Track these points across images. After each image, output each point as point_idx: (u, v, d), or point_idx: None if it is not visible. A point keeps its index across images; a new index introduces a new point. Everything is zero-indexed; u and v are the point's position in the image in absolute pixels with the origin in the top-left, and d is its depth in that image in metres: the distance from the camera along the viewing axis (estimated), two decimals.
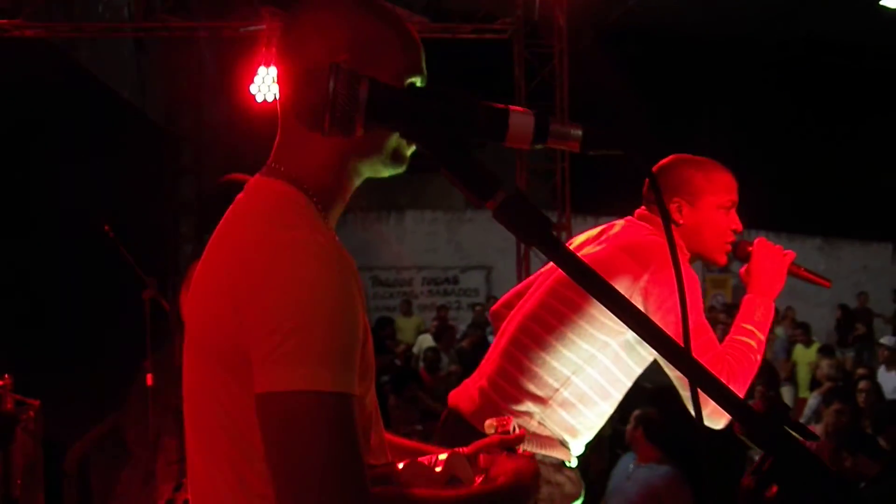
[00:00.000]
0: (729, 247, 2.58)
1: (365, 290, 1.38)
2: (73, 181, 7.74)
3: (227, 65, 8.12)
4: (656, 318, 2.35)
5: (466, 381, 2.71)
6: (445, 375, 9.83)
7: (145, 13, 7.44)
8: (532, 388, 2.48)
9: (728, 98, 15.38)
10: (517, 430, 1.66)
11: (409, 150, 1.41)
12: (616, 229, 2.64)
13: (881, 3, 11.75)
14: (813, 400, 8.30)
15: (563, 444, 2.52)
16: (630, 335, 2.40)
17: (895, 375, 8.43)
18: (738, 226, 2.58)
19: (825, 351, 9.83)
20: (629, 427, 5.23)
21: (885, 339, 9.15)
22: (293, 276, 1.23)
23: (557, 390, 2.48)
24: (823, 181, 14.68)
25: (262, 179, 1.40)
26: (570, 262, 1.14)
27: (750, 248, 2.54)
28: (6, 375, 5.07)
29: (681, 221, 2.55)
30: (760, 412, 1.20)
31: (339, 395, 1.22)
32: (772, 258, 2.51)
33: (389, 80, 1.31)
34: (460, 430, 2.49)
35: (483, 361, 2.70)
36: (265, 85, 7.09)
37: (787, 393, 9.98)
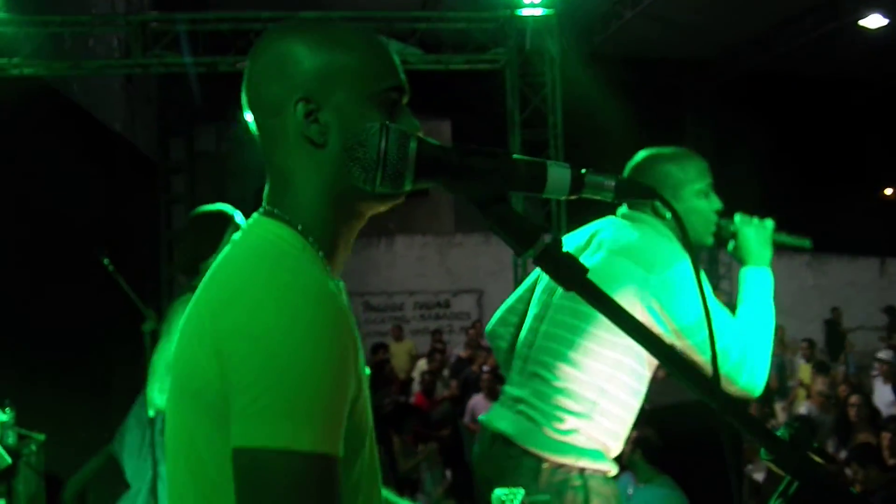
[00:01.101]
0: (714, 227, 2.69)
1: (357, 317, 1.31)
2: (68, 214, 7.80)
3: (217, 94, 8.20)
4: (670, 318, 2.47)
5: (496, 403, 2.78)
6: (441, 400, 9.89)
7: (143, 49, 7.50)
8: (572, 405, 2.55)
9: (712, 118, 15.54)
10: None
11: None
12: (607, 233, 2.70)
13: (859, 23, 11.96)
14: (804, 411, 8.42)
15: (607, 456, 2.60)
16: None
17: (890, 389, 8.56)
18: (719, 204, 2.70)
19: (819, 368, 9.92)
20: (626, 449, 5.27)
21: (883, 354, 9.31)
22: (275, 323, 1.14)
23: (596, 402, 2.54)
24: (809, 197, 14.86)
25: (259, 219, 1.33)
26: (607, 305, 1.22)
27: (732, 228, 2.66)
28: (7, 409, 5.11)
29: (666, 217, 2.64)
30: (785, 438, 1.28)
31: (317, 457, 1.13)
32: (754, 228, 2.64)
33: (358, 101, 1.30)
34: (511, 452, 2.58)
35: (508, 385, 2.77)
36: None
37: (780, 408, 10.05)
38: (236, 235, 1.34)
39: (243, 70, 1.37)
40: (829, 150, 15.51)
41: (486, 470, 2.68)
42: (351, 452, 1.24)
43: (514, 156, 1.25)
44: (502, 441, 2.62)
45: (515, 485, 2.50)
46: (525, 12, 7.63)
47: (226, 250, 1.32)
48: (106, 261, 5.17)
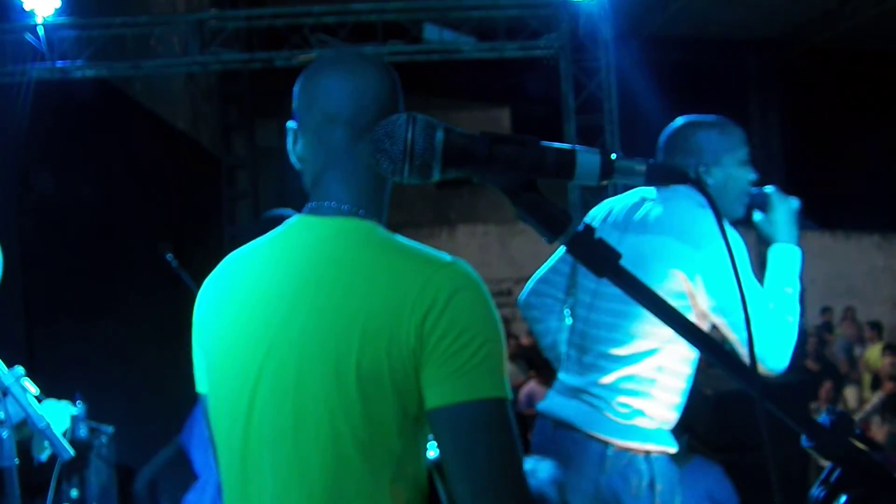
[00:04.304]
0: (747, 199, 2.69)
1: None
2: (135, 212, 7.97)
3: (277, 89, 8.30)
4: (712, 295, 2.48)
5: (552, 392, 2.81)
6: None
7: (200, 46, 7.62)
8: (633, 387, 2.59)
9: (778, 98, 15.24)
10: None
11: None
12: (649, 208, 2.71)
13: None
14: (877, 399, 8.20)
15: (670, 433, 2.63)
16: (695, 310, 2.54)
17: None
18: (753, 175, 2.71)
19: (889, 349, 9.66)
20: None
21: None
22: (478, 297, 1.40)
23: (656, 380, 2.58)
24: (879, 178, 14.48)
25: (361, 222, 1.49)
26: (640, 291, 1.22)
27: (766, 200, 2.66)
28: (79, 403, 5.25)
29: (709, 182, 2.65)
30: (827, 425, 1.25)
31: (510, 403, 1.37)
32: (787, 205, 2.63)
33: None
34: (576, 437, 2.62)
35: (565, 373, 2.79)
36: None
37: (851, 393, 9.84)
38: (301, 230, 1.50)
39: (300, 64, 1.53)
40: None
41: (547, 456, 2.70)
42: None
43: (543, 143, 1.24)
44: (565, 427, 2.65)
45: (580, 469, 2.54)
46: None
47: (332, 248, 1.45)
48: (170, 256, 5.28)
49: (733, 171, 2.67)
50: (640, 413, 2.57)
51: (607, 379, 2.60)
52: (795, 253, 2.59)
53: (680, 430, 5.03)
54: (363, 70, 1.51)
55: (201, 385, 1.58)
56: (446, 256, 1.43)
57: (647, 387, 2.57)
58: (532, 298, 2.97)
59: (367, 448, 1.36)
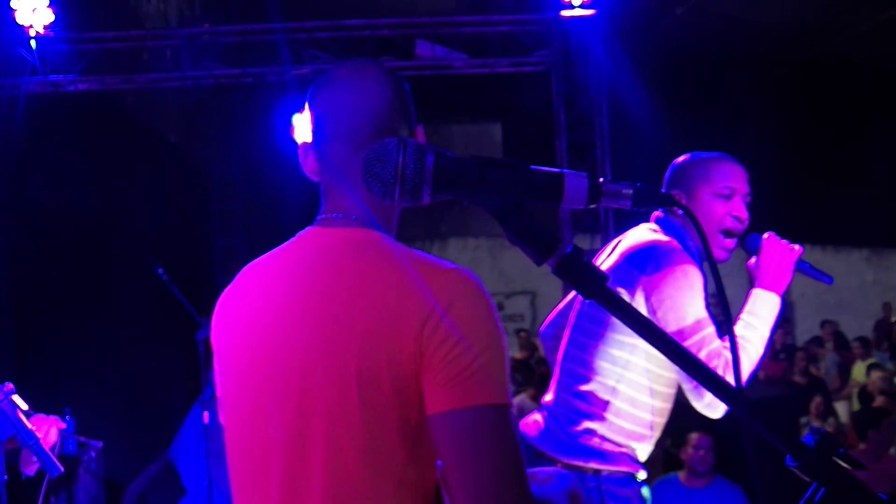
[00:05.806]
0: (723, 238, 2.59)
1: None
2: (126, 224, 7.96)
3: (271, 105, 8.32)
4: (659, 316, 2.44)
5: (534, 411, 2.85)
6: None
7: (192, 61, 7.64)
8: (585, 407, 2.59)
9: (769, 114, 15.32)
10: None
11: None
12: (625, 238, 2.72)
13: None
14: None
15: (631, 456, 2.59)
16: None
17: None
18: (741, 213, 2.59)
19: (876, 365, 9.69)
20: (689, 451, 5.13)
21: None
22: (475, 305, 1.37)
23: (609, 402, 2.56)
24: (868, 192, 14.56)
25: (368, 232, 1.48)
26: (627, 313, 1.23)
27: (761, 241, 2.58)
28: (68, 417, 5.23)
29: (678, 212, 2.58)
30: (811, 445, 1.27)
31: (512, 409, 1.35)
32: (781, 252, 2.55)
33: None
34: (528, 455, 2.58)
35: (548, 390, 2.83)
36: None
37: (842, 408, 9.86)
38: (344, 245, 1.46)
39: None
40: (890, 143, 15.16)
41: None
42: None
43: (532, 167, 1.26)
44: (524, 445, 2.65)
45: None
46: (569, 13, 7.62)
47: (341, 259, 1.44)
48: (161, 270, 5.29)
49: (706, 205, 2.58)
50: (590, 433, 2.55)
51: (566, 395, 2.63)
52: (773, 301, 2.50)
53: (710, 450, 5.02)
54: (364, 85, 1.52)
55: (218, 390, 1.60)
56: (450, 264, 1.42)
57: (599, 408, 2.55)
58: (549, 331, 2.99)
59: (369, 455, 1.35)
